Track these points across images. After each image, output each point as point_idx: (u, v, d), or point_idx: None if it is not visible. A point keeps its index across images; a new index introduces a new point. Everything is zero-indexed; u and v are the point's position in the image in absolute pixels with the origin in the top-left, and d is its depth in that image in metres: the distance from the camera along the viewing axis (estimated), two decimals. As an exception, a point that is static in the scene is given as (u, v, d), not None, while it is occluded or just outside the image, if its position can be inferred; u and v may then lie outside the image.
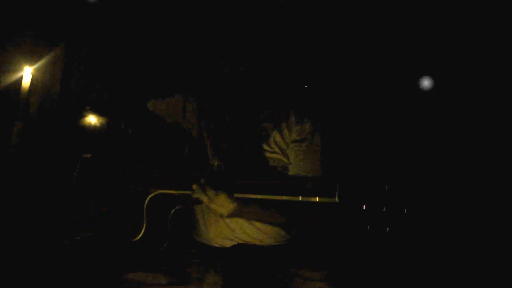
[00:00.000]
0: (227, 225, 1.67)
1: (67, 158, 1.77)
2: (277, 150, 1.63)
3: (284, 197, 1.28)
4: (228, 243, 1.68)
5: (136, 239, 1.55)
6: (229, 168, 1.52)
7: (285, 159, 1.64)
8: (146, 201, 1.55)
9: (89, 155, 1.69)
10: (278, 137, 1.63)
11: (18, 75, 2.14)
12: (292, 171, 1.61)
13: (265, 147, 1.64)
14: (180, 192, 1.50)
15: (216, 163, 1.52)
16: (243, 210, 1.47)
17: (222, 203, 1.42)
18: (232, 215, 1.47)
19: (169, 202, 1.56)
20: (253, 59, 2.11)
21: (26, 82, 2.10)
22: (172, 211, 1.56)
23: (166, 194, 1.53)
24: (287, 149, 1.63)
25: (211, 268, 1.66)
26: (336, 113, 2.17)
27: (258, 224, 1.65)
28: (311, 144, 1.60)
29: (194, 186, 1.42)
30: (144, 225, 1.54)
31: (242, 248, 1.67)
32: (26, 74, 2.11)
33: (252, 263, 1.65)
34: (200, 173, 1.43)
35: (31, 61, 2.17)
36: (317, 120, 1.62)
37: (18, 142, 2.02)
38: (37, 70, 2.19)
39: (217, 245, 1.70)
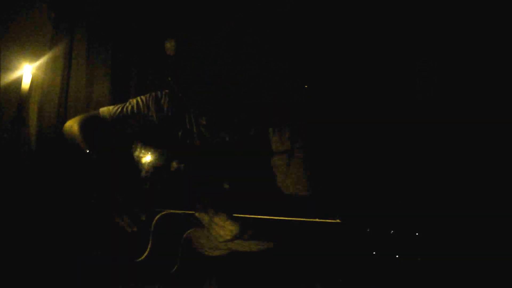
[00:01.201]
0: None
1: (69, 159, 1.77)
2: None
3: (284, 218, 1.27)
4: (219, 253, 1.69)
5: (140, 259, 1.53)
6: (231, 188, 1.52)
7: None
8: (154, 221, 1.53)
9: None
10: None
11: (18, 73, 2.12)
12: (280, 183, 1.58)
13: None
14: (187, 212, 1.48)
15: (226, 185, 1.51)
16: (244, 235, 1.45)
17: (223, 224, 1.40)
18: (233, 239, 1.44)
19: (178, 223, 1.54)
20: (252, 59, 2.09)
21: (26, 80, 2.09)
22: (184, 235, 1.55)
23: (175, 214, 1.52)
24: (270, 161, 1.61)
25: (207, 275, 1.67)
26: (323, 118, 2.16)
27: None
28: (293, 156, 1.57)
29: (198, 205, 1.42)
30: (149, 246, 1.52)
31: (237, 256, 1.69)
32: (26, 72, 2.10)
33: (248, 271, 1.66)
34: (207, 194, 1.43)
35: (31, 59, 2.16)
36: (297, 128, 1.59)
37: (18, 142, 2.02)
38: (38, 68, 2.18)
39: (209, 255, 1.71)
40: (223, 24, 1.72)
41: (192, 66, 1.51)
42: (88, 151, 1.65)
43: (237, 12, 2.21)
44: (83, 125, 1.76)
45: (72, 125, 1.78)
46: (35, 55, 2.18)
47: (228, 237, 1.41)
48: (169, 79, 1.63)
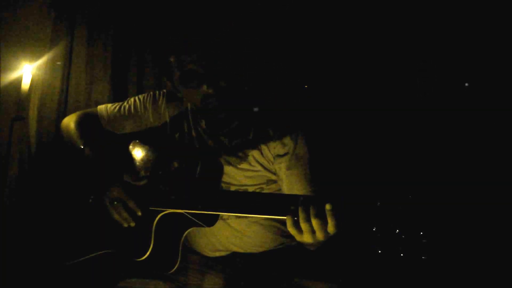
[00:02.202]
0: (215, 238, 1.67)
1: (69, 160, 1.76)
2: (258, 167, 1.60)
3: (283, 217, 1.27)
4: (220, 254, 1.70)
5: (141, 259, 1.52)
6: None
7: (269, 174, 1.61)
8: (155, 220, 1.53)
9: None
10: (257, 155, 1.60)
11: (18, 73, 2.12)
12: (284, 187, 1.58)
13: (245, 165, 1.61)
14: (189, 211, 1.48)
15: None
16: None
17: None
18: None
19: (179, 223, 1.53)
20: (252, 59, 2.08)
21: (26, 80, 2.09)
22: (185, 233, 1.54)
23: (176, 214, 1.50)
24: (270, 164, 1.60)
25: (209, 273, 1.68)
26: (323, 118, 2.16)
27: (247, 232, 1.66)
28: (295, 155, 1.55)
29: None
30: (151, 246, 1.52)
31: (237, 257, 1.69)
32: (26, 72, 2.09)
33: (252, 268, 1.66)
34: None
35: (31, 59, 2.15)
36: (297, 130, 1.57)
37: (18, 142, 2.01)
38: (38, 68, 2.17)
39: (210, 256, 1.71)
40: (223, 24, 1.72)
41: (191, 67, 1.50)
42: (82, 146, 1.65)
43: (237, 12, 2.21)
44: (80, 121, 1.76)
45: (69, 121, 1.79)
46: (35, 55, 2.18)
47: None
48: (165, 79, 1.63)
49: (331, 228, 1.20)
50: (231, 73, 1.54)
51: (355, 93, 2.29)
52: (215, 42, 1.53)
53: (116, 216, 1.54)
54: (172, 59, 1.53)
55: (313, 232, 1.22)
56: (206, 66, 1.48)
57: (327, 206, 1.19)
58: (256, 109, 1.64)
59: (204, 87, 1.49)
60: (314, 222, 1.21)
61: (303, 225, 1.22)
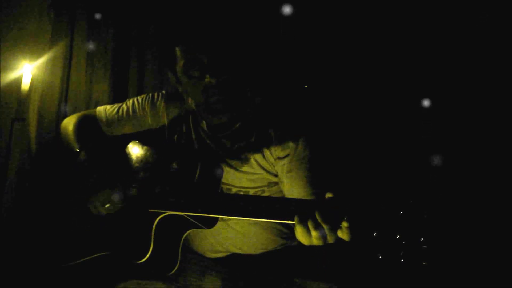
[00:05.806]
0: (215, 239, 1.67)
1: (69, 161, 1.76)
2: (260, 170, 1.60)
3: (289, 222, 1.27)
4: (219, 255, 1.70)
5: (141, 261, 1.51)
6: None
7: (270, 177, 1.61)
8: (155, 223, 1.52)
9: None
10: (259, 158, 1.59)
11: (18, 72, 2.12)
12: (284, 189, 1.57)
13: (246, 168, 1.61)
14: (188, 213, 1.48)
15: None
16: None
17: None
18: None
19: (178, 224, 1.53)
20: (253, 59, 2.08)
21: (26, 80, 2.09)
22: (185, 235, 1.54)
23: (175, 216, 1.50)
24: (271, 166, 1.59)
25: (209, 273, 1.68)
26: (324, 118, 2.15)
27: (247, 234, 1.66)
28: (296, 157, 1.55)
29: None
30: (151, 248, 1.51)
31: (237, 258, 1.69)
32: (26, 72, 2.09)
33: (251, 268, 1.67)
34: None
35: (31, 59, 2.15)
36: (299, 133, 1.57)
37: (18, 142, 2.01)
38: (38, 68, 2.17)
39: (210, 257, 1.71)
40: (224, 24, 1.71)
41: (196, 55, 1.49)
42: (78, 150, 1.65)
43: (237, 12, 2.21)
44: (78, 124, 1.77)
45: (67, 123, 1.80)
46: (35, 55, 2.17)
47: None
48: (168, 73, 1.63)
49: (346, 238, 1.20)
50: (234, 68, 1.54)
51: (358, 94, 2.29)
52: (220, 36, 1.53)
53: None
54: (177, 48, 1.53)
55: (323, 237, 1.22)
56: (211, 56, 1.48)
57: (345, 224, 1.19)
58: (257, 110, 1.64)
59: (207, 77, 1.48)
60: (325, 227, 1.20)
61: (313, 232, 1.22)
